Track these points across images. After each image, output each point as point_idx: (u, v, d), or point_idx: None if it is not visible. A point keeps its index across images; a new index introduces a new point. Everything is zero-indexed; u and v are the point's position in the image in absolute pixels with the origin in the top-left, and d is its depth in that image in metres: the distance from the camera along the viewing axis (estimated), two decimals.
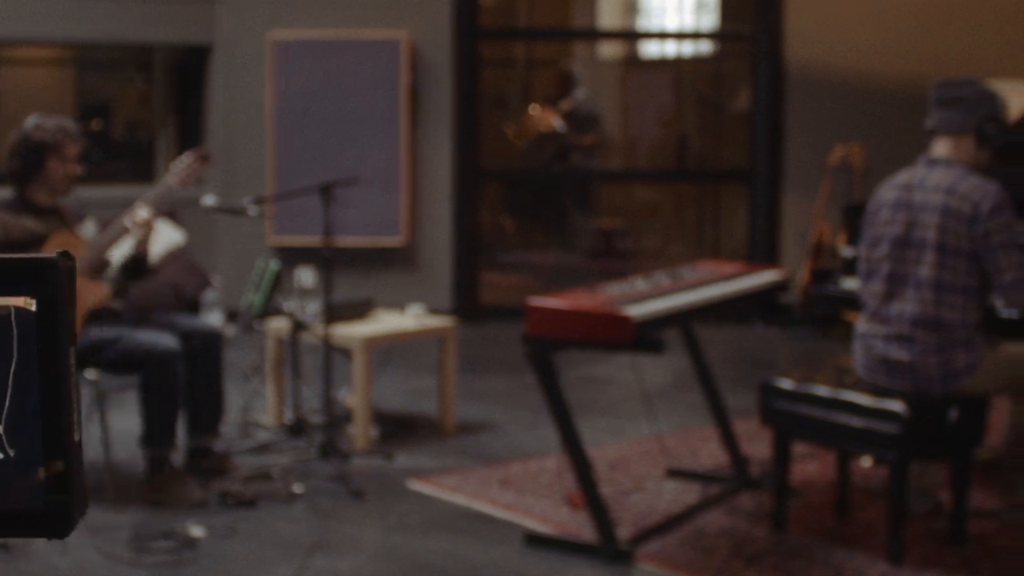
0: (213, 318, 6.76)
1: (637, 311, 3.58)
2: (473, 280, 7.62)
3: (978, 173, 3.66)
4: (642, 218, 9.53)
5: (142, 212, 4.23)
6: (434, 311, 6.17)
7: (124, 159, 8.41)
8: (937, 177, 3.66)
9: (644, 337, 3.56)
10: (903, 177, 3.75)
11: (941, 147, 3.72)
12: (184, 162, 4.40)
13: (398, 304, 5.59)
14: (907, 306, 3.69)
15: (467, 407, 5.43)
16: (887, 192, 3.77)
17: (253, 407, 5.20)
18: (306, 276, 5.16)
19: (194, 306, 6.58)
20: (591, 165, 8.89)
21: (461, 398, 5.42)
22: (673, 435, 5.05)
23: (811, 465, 4.60)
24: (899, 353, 3.70)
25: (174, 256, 6.66)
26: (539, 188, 9.16)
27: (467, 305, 7.47)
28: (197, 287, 6.60)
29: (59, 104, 8.37)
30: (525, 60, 10.12)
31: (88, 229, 4.43)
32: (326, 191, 4.51)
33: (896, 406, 3.63)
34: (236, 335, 6.69)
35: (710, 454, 4.78)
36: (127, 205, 4.35)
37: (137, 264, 4.33)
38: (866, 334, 3.81)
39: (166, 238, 6.70)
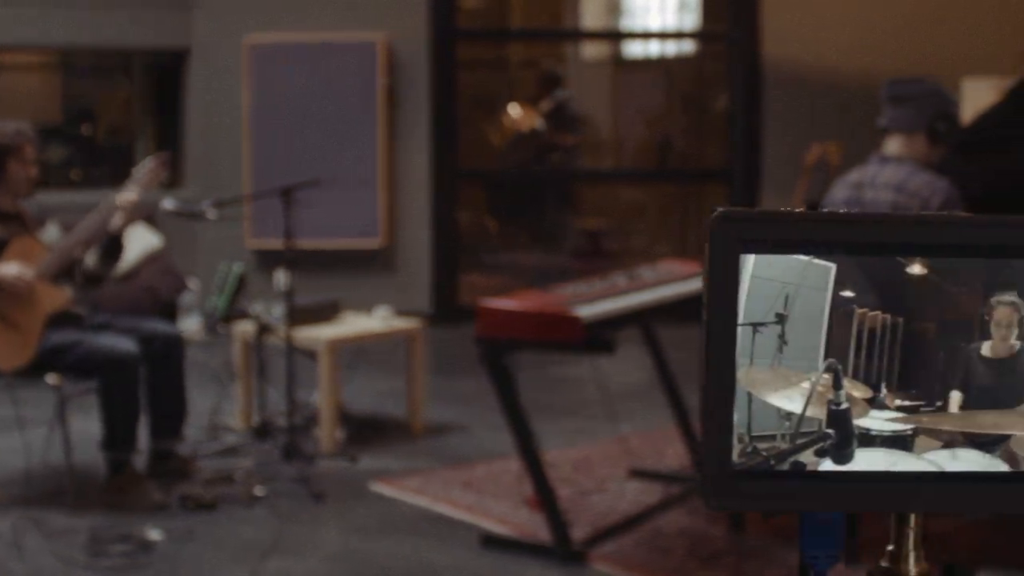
0: (190, 321, 6.77)
1: (587, 311, 3.58)
2: (452, 282, 7.62)
3: (929, 170, 3.65)
4: (626, 218, 9.52)
5: (129, 194, 4.25)
6: (414, 313, 6.17)
7: (107, 164, 8.43)
8: (888, 175, 3.65)
9: (595, 337, 3.55)
10: (854, 175, 3.75)
11: (893, 145, 3.71)
12: (146, 167, 4.41)
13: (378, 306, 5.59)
14: None
15: (439, 409, 5.43)
16: (839, 191, 3.76)
17: (223, 410, 5.20)
18: (285, 278, 5.16)
19: (171, 309, 6.59)
20: (573, 165, 8.89)
21: (434, 400, 5.42)
22: (642, 435, 5.04)
23: None
24: None
25: (151, 259, 6.67)
26: (521, 189, 9.15)
27: (446, 307, 7.48)
28: (174, 290, 6.61)
29: (46, 109, 8.40)
30: (519, 61, 10.13)
31: (50, 233, 4.44)
32: (287, 194, 4.52)
33: None
34: (210, 337, 6.70)
35: (676, 454, 4.77)
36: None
37: (114, 246, 4.34)
38: None
39: (143, 242, 6.72)
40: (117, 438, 4.25)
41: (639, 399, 5.69)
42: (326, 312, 5.04)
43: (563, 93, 8.68)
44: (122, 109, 8.40)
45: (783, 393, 0.89)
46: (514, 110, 8.69)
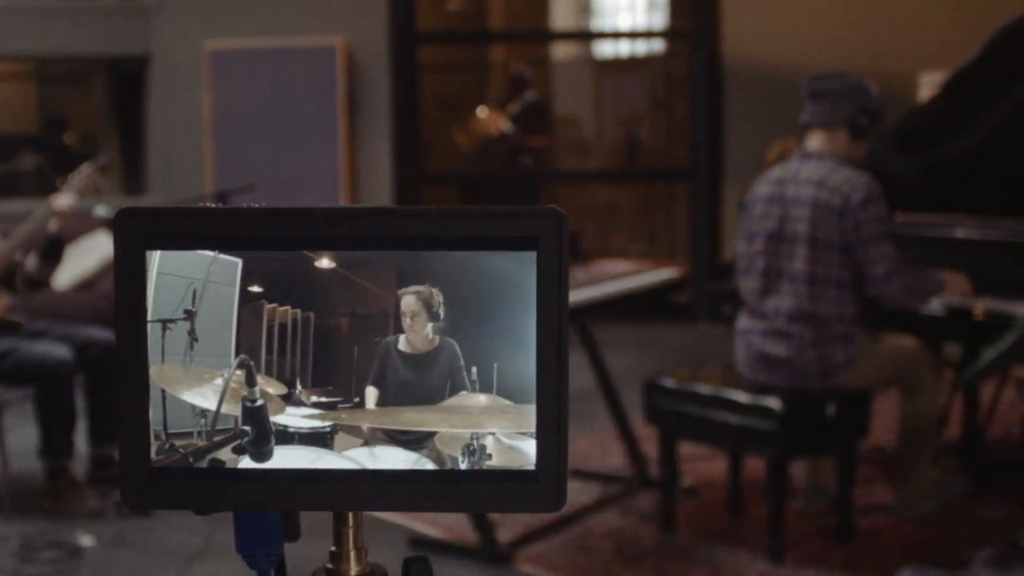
0: None
1: None
2: None
3: (850, 166, 3.64)
4: (598, 219, 9.50)
5: (65, 199, 4.28)
6: None
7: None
8: (809, 171, 3.64)
9: None
10: (777, 172, 3.73)
11: (815, 140, 3.70)
12: (83, 173, 4.43)
13: None
14: (783, 301, 3.66)
15: None
16: (762, 187, 3.74)
17: None
18: None
19: None
20: (543, 167, 8.87)
21: None
22: (589, 436, 5.02)
23: (719, 464, 4.56)
24: (777, 349, 3.67)
25: (112, 267, 6.67)
26: (491, 191, 9.14)
27: None
28: None
29: (22, 118, 8.42)
30: (490, 63, 10.12)
31: None
32: (222, 199, 4.52)
33: (772, 403, 3.61)
34: None
35: (622, 454, 4.75)
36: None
37: (53, 249, 4.35)
38: (746, 330, 3.79)
39: (104, 249, 6.72)
40: (53, 445, 4.25)
41: (583, 400, 5.67)
42: None
43: (531, 95, 8.66)
44: (93, 116, 8.42)
45: (197, 390, 0.88)
46: (482, 113, 8.67)
